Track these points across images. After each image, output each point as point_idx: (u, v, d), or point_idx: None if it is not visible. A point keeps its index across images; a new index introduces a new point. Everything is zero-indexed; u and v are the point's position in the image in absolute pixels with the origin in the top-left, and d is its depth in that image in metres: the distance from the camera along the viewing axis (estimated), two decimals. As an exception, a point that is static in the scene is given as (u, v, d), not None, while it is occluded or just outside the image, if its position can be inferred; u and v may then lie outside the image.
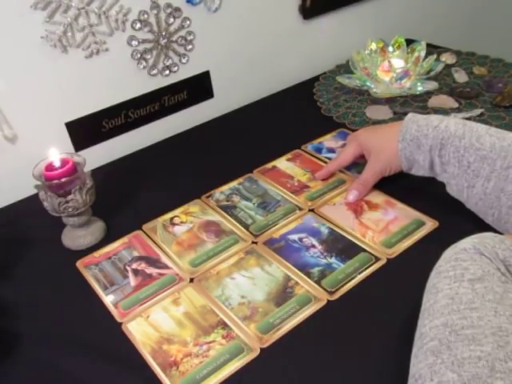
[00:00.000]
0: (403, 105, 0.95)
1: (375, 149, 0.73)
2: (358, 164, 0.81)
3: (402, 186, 0.75)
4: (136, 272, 0.66)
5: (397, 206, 0.72)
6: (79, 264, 0.69)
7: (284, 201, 0.76)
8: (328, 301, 0.59)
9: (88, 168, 0.70)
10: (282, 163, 0.85)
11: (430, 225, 0.68)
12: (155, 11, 0.86)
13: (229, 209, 0.75)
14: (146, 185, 0.84)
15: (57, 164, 0.67)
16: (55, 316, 0.61)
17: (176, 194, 0.80)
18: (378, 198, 0.74)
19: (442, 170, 0.65)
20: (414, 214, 0.70)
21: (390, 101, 0.97)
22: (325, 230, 0.69)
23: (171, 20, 0.88)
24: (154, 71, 0.91)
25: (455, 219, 0.67)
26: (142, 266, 0.67)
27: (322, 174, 0.79)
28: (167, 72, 0.93)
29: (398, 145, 0.68)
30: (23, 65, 0.78)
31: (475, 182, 0.60)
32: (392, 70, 0.95)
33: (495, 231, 0.48)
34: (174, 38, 0.91)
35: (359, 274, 0.62)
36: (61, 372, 0.55)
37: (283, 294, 0.60)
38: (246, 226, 0.72)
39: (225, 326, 0.57)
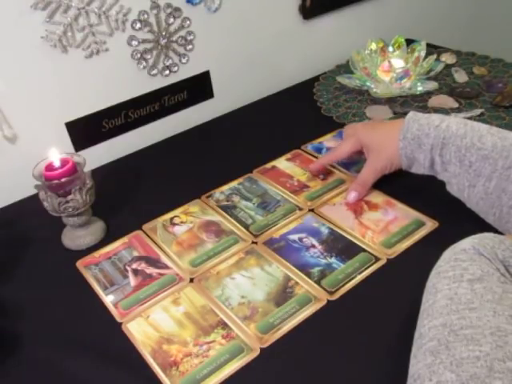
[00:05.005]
0: (403, 105, 0.95)
1: (376, 147, 0.72)
2: (357, 163, 0.81)
3: (401, 186, 0.75)
4: (136, 272, 0.66)
5: (397, 206, 0.72)
6: (79, 264, 0.69)
7: (284, 201, 0.76)
8: (328, 301, 0.59)
9: (88, 168, 0.70)
10: (282, 163, 0.85)
11: (430, 225, 0.68)
12: (155, 11, 0.86)
13: (229, 209, 0.76)
14: (146, 185, 0.84)
15: (57, 164, 0.67)
16: (55, 316, 0.61)
17: (176, 193, 0.80)
18: (378, 198, 0.74)
19: (443, 169, 0.65)
20: (414, 214, 0.70)
21: (389, 101, 0.97)
22: (325, 230, 0.69)
23: (171, 20, 0.89)
24: (154, 71, 0.91)
25: (455, 219, 0.67)
26: (142, 266, 0.67)
27: (315, 166, 0.79)
28: (167, 72, 0.93)
29: (398, 143, 0.68)
30: (23, 65, 0.78)
31: (476, 181, 0.60)
32: (392, 70, 0.95)
33: (495, 231, 0.48)
34: (174, 38, 0.91)
35: (359, 274, 0.62)
36: (61, 372, 0.55)
37: (283, 294, 0.60)
38: (246, 226, 0.72)
39: (225, 326, 0.57)
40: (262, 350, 0.54)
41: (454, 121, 0.64)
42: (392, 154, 0.70)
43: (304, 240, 0.68)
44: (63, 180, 0.65)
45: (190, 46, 0.94)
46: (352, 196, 0.73)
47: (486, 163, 0.59)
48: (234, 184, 0.81)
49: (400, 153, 0.68)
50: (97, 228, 0.73)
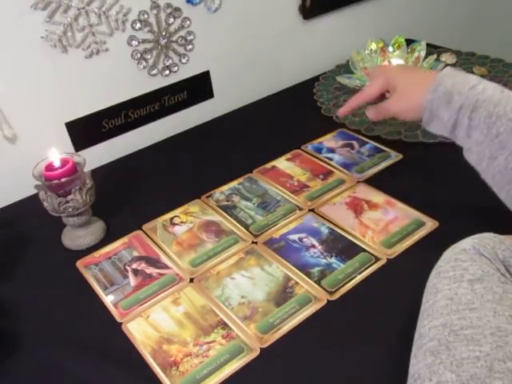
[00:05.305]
0: (403, 105, 0.94)
1: (401, 89, 0.67)
2: (357, 164, 0.81)
3: (402, 186, 0.75)
4: (136, 272, 0.66)
5: (397, 206, 0.72)
6: (79, 264, 0.69)
7: (284, 201, 0.76)
8: (328, 301, 0.59)
9: (88, 168, 0.70)
10: (282, 163, 0.85)
11: (430, 225, 0.68)
12: (155, 11, 0.86)
13: (229, 209, 0.75)
14: (146, 185, 0.84)
15: (57, 164, 0.67)
16: (55, 316, 0.61)
17: (176, 194, 0.80)
18: (378, 197, 0.74)
19: (467, 134, 0.60)
20: (414, 214, 0.70)
21: (389, 101, 0.96)
22: (325, 230, 0.69)
23: (171, 20, 0.88)
24: (154, 71, 0.91)
25: (455, 219, 0.67)
26: (142, 266, 0.67)
27: (345, 109, 0.75)
28: (167, 72, 0.93)
29: (427, 95, 0.62)
30: (23, 65, 0.78)
31: (499, 153, 0.57)
32: (392, 70, 0.95)
33: (495, 231, 0.48)
34: (174, 38, 0.91)
35: (359, 274, 0.62)
36: (61, 372, 0.55)
37: (283, 294, 0.60)
38: (246, 226, 0.72)
39: (225, 326, 0.57)
40: (262, 349, 0.54)
41: (491, 85, 0.60)
42: (414, 104, 0.65)
43: (304, 240, 0.68)
44: (63, 180, 0.65)
45: (190, 46, 0.94)
46: (371, 114, 0.71)
47: None
48: (234, 184, 0.81)
49: (425, 105, 0.63)
50: (97, 228, 0.73)
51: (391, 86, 0.69)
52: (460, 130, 0.61)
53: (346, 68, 1.09)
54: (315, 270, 0.63)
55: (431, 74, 0.64)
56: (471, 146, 0.60)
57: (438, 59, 1.05)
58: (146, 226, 0.74)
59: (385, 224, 0.69)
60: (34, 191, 0.69)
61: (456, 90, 0.60)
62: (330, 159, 0.84)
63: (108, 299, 0.63)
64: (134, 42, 0.86)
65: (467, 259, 0.44)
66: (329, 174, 0.81)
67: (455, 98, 0.60)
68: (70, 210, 0.67)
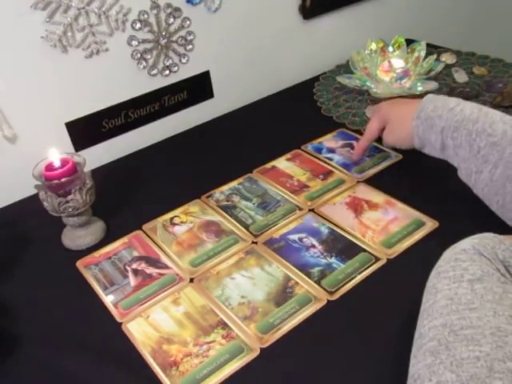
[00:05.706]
0: (403, 105, 0.94)
1: (391, 121, 0.75)
2: (357, 164, 0.82)
3: (401, 186, 0.75)
4: (136, 272, 0.66)
5: (397, 206, 0.72)
6: (79, 264, 0.69)
7: (284, 201, 0.76)
8: (328, 301, 0.59)
9: (88, 168, 0.70)
10: (282, 163, 0.85)
11: (430, 225, 0.68)
12: (155, 11, 0.86)
13: (229, 209, 0.76)
14: (146, 184, 0.84)
15: (57, 164, 0.67)
16: (55, 316, 0.61)
17: (176, 193, 0.80)
18: (378, 197, 0.74)
19: (454, 152, 0.65)
20: (414, 214, 0.70)
21: (389, 101, 0.96)
22: (325, 230, 0.69)
23: (171, 20, 0.88)
24: (154, 71, 0.91)
25: (455, 219, 0.67)
26: (142, 266, 0.67)
27: (356, 154, 0.82)
28: (167, 72, 0.93)
29: (411, 122, 0.69)
30: (23, 65, 0.78)
31: (483, 167, 0.60)
32: (392, 70, 0.95)
33: (495, 231, 0.48)
34: (174, 38, 0.91)
35: (359, 274, 0.62)
36: (61, 372, 0.55)
37: (283, 294, 0.60)
38: (246, 226, 0.72)
39: (225, 325, 0.57)
40: (262, 349, 0.54)
41: (469, 105, 0.64)
42: (404, 132, 0.71)
43: (304, 240, 0.68)
44: (63, 180, 0.65)
45: (190, 46, 0.94)
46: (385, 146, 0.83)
47: (494, 150, 0.59)
48: (234, 184, 0.81)
49: (413, 131, 0.69)
50: (97, 228, 0.73)
51: (385, 122, 0.76)
52: (448, 150, 0.65)
53: (345, 68, 1.09)
54: (315, 270, 0.63)
55: (416, 103, 0.70)
56: (460, 163, 0.64)
57: (438, 59, 1.05)
58: (146, 226, 0.74)
59: (385, 224, 0.69)
60: (34, 191, 0.69)
61: (436, 114, 0.65)
62: (330, 159, 0.84)
63: (108, 299, 0.63)
64: (134, 42, 0.86)
65: (467, 259, 0.44)
66: (329, 174, 0.81)
67: (436, 121, 0.65)
68: (70, 209, 0.67)
